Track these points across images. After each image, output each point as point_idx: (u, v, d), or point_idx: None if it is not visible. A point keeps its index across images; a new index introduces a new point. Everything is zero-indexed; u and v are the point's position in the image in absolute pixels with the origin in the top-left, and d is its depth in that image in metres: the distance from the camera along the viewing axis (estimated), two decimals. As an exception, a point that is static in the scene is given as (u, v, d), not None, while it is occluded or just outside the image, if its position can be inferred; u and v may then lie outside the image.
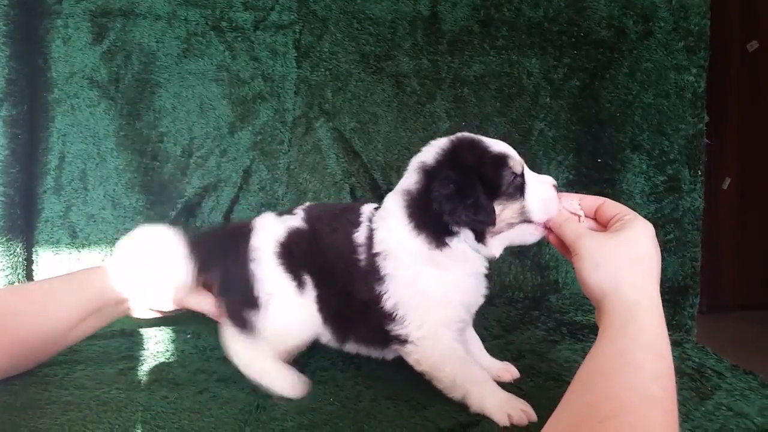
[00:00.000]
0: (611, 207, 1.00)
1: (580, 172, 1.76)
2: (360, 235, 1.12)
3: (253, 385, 1.13)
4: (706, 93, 1.72)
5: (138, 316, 1.31)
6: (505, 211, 1.05)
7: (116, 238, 1.70)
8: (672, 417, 0.73)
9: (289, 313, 1.14)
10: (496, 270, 1.77)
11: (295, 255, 1.14)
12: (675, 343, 1.41)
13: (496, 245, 1.11)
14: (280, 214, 1.22)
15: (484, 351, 1.25)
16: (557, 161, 1.77)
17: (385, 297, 1.08)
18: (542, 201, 1.06)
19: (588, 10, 1.73)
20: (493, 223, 1.03)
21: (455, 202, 1.01)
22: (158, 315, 1.32)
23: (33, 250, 1.69)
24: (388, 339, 1.12)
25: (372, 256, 1.09)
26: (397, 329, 1.09)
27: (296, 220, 1.18)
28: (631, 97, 1.73)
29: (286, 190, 1.75)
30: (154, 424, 0.99)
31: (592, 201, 1.04)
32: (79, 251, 1.70)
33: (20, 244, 1.62)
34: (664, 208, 1.71)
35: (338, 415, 1.04)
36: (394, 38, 1.75)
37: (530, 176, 1.09)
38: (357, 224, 1.14)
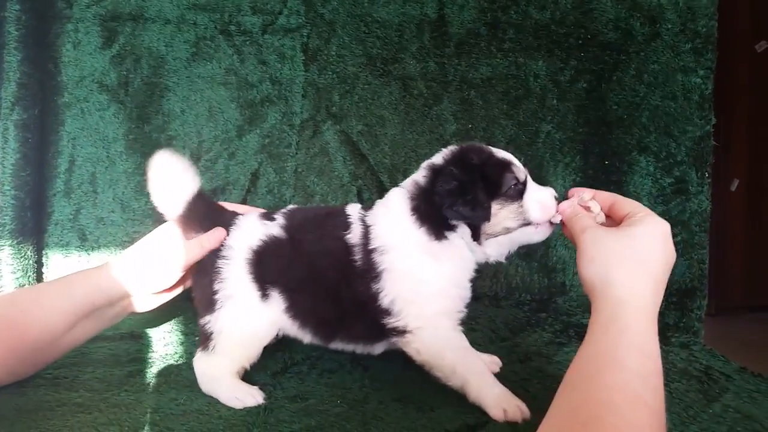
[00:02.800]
0: (624, 204, 1.00)
1: (587, 175, 1.76)
2: (354, 236, 1.15)
3: (260, 385, 1.15)
4: (714, 94, 1.72)
5: (140, 310, 1.31)
6: (502, 210, 1.10)
7: (125, 241, 1.72)
8: (658, 417, 0.72)
9: (243, 320, 1.16)
10: (503, 272, 1.77)
11: (267, 267, 1.16)
12: (682, 346, 1.42)
13: (492, 247, 1.15)
14: (264, 216, 1.23)
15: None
16: (564, 163, 1.76)
17: (382, 294, 1.11)
18: (540, 204, 1.11)
19: (595, 12, 1.73)
20: (488, 219, 1.08)
21: (455, 196, 1.07)
22: (161, 302, 1.33)
23: (43, 252, 1.70)
24: (382, 334, 1.15)
25: (369, 253, 1.12)
26: (394, 322, 1.11)
27: (275, 227, 1.19)
28: (638, 99, 1.72)
29: (294, 193, 1.76)
30: (163, 425, 1.00)
31: (606, 197, 1.04)
32: (89, 254, 1.71)
33: (30, 247, 1.64)
34: (671, 210, 1.71)
35: (345, 416, 1.04)
36: (401, 41, 1.75)
37: (532, 185, 1.14)
38: (347, 226, 1.16)
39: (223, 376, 1.14)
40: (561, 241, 1.76)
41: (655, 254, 0.89)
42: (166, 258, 1.23)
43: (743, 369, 1.25)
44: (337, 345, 1.24)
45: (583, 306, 1.68)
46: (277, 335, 1.22)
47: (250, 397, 1.11)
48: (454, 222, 1.11)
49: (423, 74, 1.76)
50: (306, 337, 1.22)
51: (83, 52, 1.73)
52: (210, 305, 1.16)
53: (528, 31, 1.75)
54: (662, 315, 1.52)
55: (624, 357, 0.77)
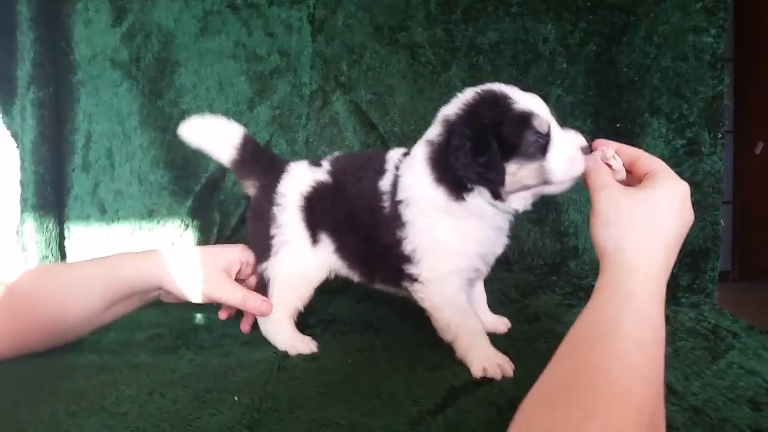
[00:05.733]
0: (647, 162, 0.95)
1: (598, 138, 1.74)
2: (385, 183, 1.17)
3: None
4: (737, 57, 1.68)
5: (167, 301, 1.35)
6: (521, 170, 1.04)
7: (144, 213, 1.77)
8: (653, 387, 0.70)
9: (297, 264, 1.24)
10: (515, 237, 1.75)
11: (316, 211, 1.22)
12: (692, 306, 1.43)
13: (517, 200, 1.10)
14: (311, 163, 1.29)
15: (485, 304, 1.34)
16: (575, 127, 1.69)
17: (405, 242, 1.13)
18: (564, 162, 1.02)
19: (604, -27, 1.70)
20: (502, 183, 1.04)
21: (468, 159, 1.03)
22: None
23: (65, 225, 1.76)
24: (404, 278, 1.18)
25: (395, 204, 1.14)
26: (411, 269, 1.14)
27: (322, 173, 1.25)
28: (649, 61, 1.69)
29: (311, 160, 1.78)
30: (180, 384, 1.05)
31: (630, 152, 0.97)
32: (109, 225, 1.77)
33: (52, 220, 1.69)
34: (684, 171, 1.69)
35: (356, 374, 1.08)
36: (407, 9, 1.75)
37: (558, 135, 1.05)
38: (382, 172, 1.19)
39: (280, 321, 1.24)
40: (573, 206, 1.76)
41: (672, 220, 0.86)
42: (201, 283, 1.23)
43: (751, 327, 1.26)
44: (379, 286, 1.29)
45: (595, 269, 1.63)
46: (328, 277, 1.28)
47: (304, 345, 1.21)
48: (469, 185, 1.08)
49: (430, 41, 1.75)
50: (355, 277, 1.28)
51: (94, 29, 1.76)
52: (266, 251, 1.24)
53: (536, -7, 1.73)
54: (675, 276, 1.52)
55: (626, 326, 0.75)
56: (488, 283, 1.55)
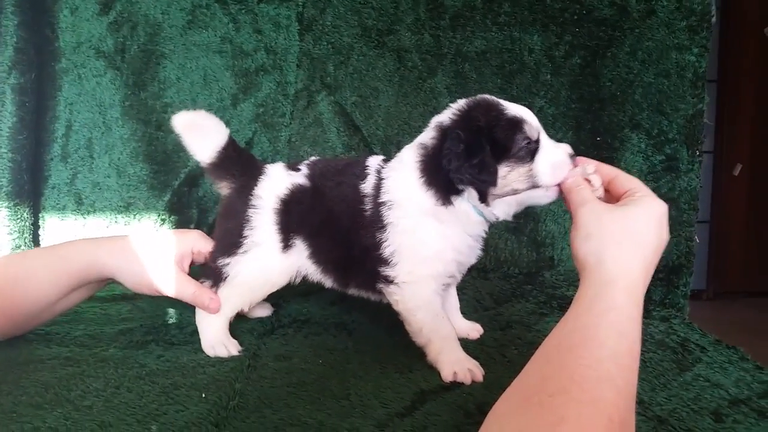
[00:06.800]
0: (625, 181, 0.97)
1: (578, 150, 1.75)
2: (367, 186, 1.18)
3: (246, 346, 1.19)
4: (720, 77, 1.71)
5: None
6: (512, 173, 1.07)
7: (121, 206, 1.75)
8: (625, 397, 0.71)
9: (265, 266, 1.23)
10: (492, 245, 1.79)
11: (293, 214, 1.21)
12: (662, 319, 1.45)
13: (500, 208, 1.13)
14: (288, 167, 1.28)
15: (458, 310, 1.34)
16: (556, 139, 1.73)
17: (385, 244, 1.14)
18: (552, 166, 1.06)
19: (591, -12, 1.72)
20: (494, 184, 1.06)
21: (462, 160, 1.05)
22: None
23: (40, 215, 1.73)
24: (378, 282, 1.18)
25: (378, 206, 1.15)
26: (388, 271, 1.15)
27: (300, 176, 1.24)
28: (632, 76, 1.72)
29: (287, 163, 1.78)
30: (148, 379, 1.04)
31: (608, 171, 1.01)
32: (85, 218, 1.75)
33: (27, 209, 1.67)
34: (661, 187, 1.71)
35: (326, 375, 1.08)
36: (396, 12, 1.75)
37: (546, 142, 1.09)
38: (363, 177, 1.19)
39: (217, 319, 1.21)
40: (550, 216, 1.78)
41: (650, 237, 0.88)
42: (151, 275, 1.21)
43: (719, 341, 1.27)
44: (353, 291, 1.28)
45: (569, 280, 1.70)
46: (291, 282, 1.27)
47: (225, 348, 1.18)
48: (461, 186, 1.09)
49: (418, 46, 1.76)
50: (328, 282, 1.27)
51: (80, 18, 1.74)
52: (233, 248, 1.22)
53: (523, 4, 1.74)
54: (648, 290, 1.53)
55: (603, 336, 0.76)
56: (463, 290, 1.56)
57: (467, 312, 1.39)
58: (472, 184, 1.07)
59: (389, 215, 1.13)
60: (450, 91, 1.77)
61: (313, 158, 1.31)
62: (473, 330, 1.31)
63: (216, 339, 1.19)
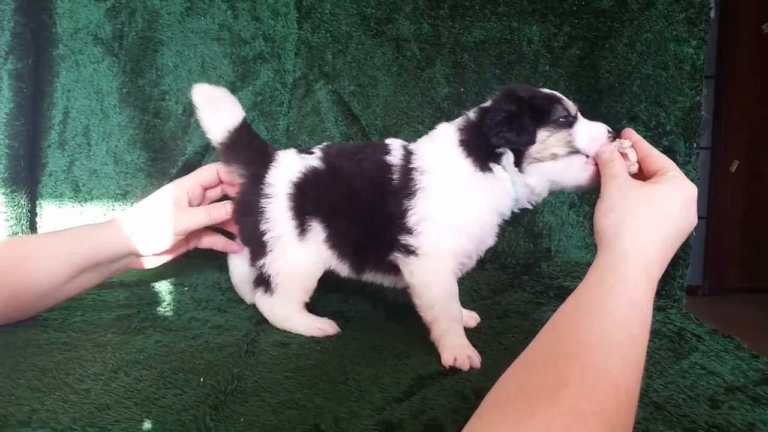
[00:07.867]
0: (658, 159, 0.99)
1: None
2: (394, 157, 1.19)
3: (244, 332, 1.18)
4: (718, 74, 1.71)
5: (143, 267, 1.35)
6: (551, 138, 1.10)
7: (118, 194, 1.74)
8: (633, 368, 0.72)
9: (296, 259, 1.22)
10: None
11: (308, 197, 1.20)
12: (659, 309, 1.45)
13: (536, 175, 1.13)
14: (301, 151, 1.28)
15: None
16: None
17: (411, 212, 1.14)
18: (591, 132, 1.10)
19: (590, -22, 1.72)
20: (533, 142, 1.09)
21: (502, 125, 1.09)
22: (163, 261, 1.35)
23: (37, 202, 1.72)
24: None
25: (408, 171, 1.15)
26: (411, 240, 1.14)
27: (314, 159, 1.24)
28: (630, 68, 1.72)
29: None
30: (146, 364, 1.04)
31: (645, 147, 1.02)
32: (82, 205, 1.74)
33: (24, 196, 1.66)
34: (658, 179, 1.72)
35: (324, 360, 1.08)
36: (395, 1, 1.74)
37: (584, 120, 1.14)
38: (387, 151, 1.20)
39: (294, 314, 1.24)
40: (548, 208, 1.78)
41: (673, 216, 0.88)
42: (159, 223, 1.26)
43: (715, 331, 1.28)
44: (368, 276, 1.28)
45: (566, 271, 1.71)
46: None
47: (330, 326, 1.23)
48: (499, 150, 1.12)
49: (416, 36, 1.75)
50: (344, 268, 1.27)
51: (78, 3, 1.73)
52: (261, 247, 1.22)
53: (523, -6, 1.74)
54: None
55: (613, 307, 0.76)
56: (461, 280, 1.56)
57: (464, 301, 1.39)
58: (510, 144, 1.10)
59: (421, 180, 1.14)
60: (448, 81, 1.76)
61: (325, 143, 1.31)
62: (471, 318, 1.32)
63: (313, 322, 1.23)
